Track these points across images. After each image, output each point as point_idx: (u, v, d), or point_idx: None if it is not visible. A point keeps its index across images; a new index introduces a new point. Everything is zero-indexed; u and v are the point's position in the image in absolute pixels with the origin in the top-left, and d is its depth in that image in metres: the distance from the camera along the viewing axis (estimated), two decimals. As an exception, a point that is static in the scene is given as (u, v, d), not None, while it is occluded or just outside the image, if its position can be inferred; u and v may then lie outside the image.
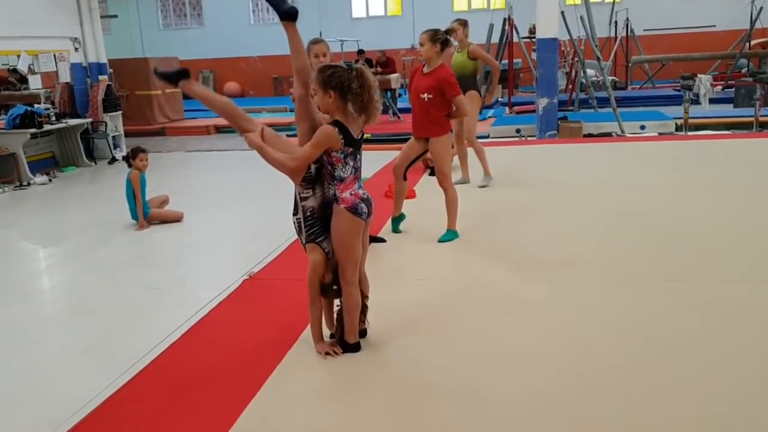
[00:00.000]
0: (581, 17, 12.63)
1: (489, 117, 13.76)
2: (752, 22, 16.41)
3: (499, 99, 16.42)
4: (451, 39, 5.30)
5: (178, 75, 3.26)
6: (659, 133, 10.92)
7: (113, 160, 10.89)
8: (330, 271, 3.22)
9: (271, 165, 3.10)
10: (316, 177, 3.11)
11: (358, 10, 23.42)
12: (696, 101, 12.18)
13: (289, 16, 3.08)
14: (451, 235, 5.23)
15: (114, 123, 11.49)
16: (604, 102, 12.23)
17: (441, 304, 3.92)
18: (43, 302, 4.80)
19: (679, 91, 14.45)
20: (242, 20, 23.81)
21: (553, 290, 4.05)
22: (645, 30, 19.95)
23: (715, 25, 20.24)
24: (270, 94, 23.46)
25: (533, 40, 11.95)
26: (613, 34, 18.66)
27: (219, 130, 14.79)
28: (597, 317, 3.63)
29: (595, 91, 13.70)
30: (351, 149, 3.04)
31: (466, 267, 4.69)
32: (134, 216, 6.46)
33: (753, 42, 17.08)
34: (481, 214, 5.83)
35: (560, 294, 3.99)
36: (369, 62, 14.86)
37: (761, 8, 16.01)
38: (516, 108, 14.42)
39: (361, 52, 15.91)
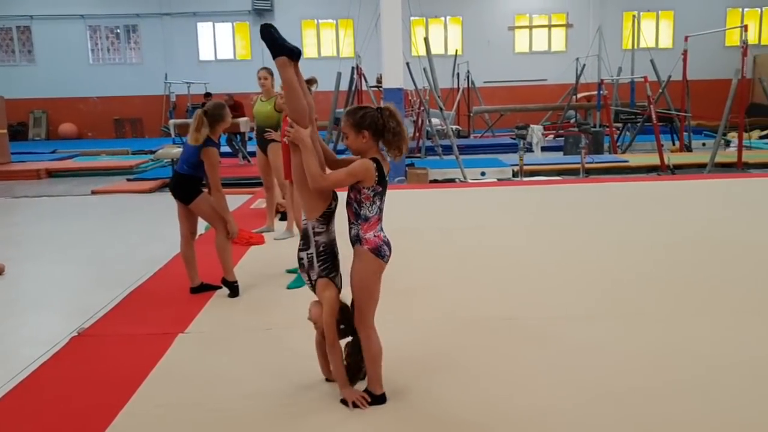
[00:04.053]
0: (424, 69, 13.20)
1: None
2: (577, 77, 18.06)
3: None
4: (312, 88, 5.35)
5: (290, 51, 3.07)
6: (498, 179, 11.56)
7: (-76, 206, 9.79)
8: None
9: (304, 168, 3.01)
10: (332, 214, 3.11)
11: (205, 53, 23.02)
12: (530, 149, 13.05)
13: (296, 56, 3.12)
14: (301, 281, 5.13)
15: (-74, 166, 10.38)
16: (448, 149, 12.77)
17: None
18: None
19: (515, 139, 15.48)
20: (80, 59, 22.61)
21: (398, 325, 4.06)
22: (485, 82, 21.28)
23: (546, 79, 22.05)
24: (110, 137, 22.34)
25: (380, 89, 12.31)
26: (456, 86, 19.71)
27: (51, 174, 13.82)
28: (439, 353, 3.66)
29: (440, 139, 14.30)
30: (381, 188, 3.05)
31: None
32: (-55, 269, 5.80)
33: (579, 95, 18.76)
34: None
35: (406, 325, 4.01)
36: (217, 106, 14.49)
37: (584, 65, 17.67)
38: (366, 154, 14.70)
39: (208, 95, 15.55)
